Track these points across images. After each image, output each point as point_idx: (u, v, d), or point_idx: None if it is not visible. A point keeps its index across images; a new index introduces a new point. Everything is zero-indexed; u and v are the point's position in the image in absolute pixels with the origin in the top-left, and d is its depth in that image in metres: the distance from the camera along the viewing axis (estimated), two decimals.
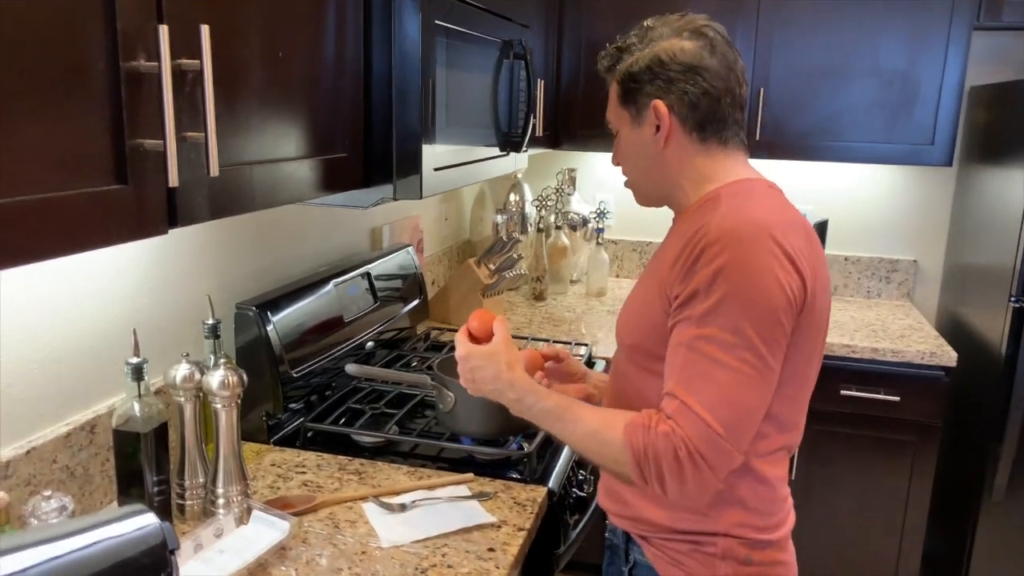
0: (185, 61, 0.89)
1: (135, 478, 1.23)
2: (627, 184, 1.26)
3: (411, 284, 2.18)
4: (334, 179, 1.30)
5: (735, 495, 1.13)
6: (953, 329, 2.71)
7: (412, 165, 1.41)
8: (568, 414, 1.12)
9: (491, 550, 1.24)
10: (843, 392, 2.40)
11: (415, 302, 2.19)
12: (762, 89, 2.57)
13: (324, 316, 1.74)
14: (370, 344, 1.93)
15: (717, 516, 1.13)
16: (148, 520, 0.75)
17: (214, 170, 0.92)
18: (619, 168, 1.26)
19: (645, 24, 1.19)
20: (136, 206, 0.86)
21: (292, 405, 1.64)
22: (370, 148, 1.39)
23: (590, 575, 2.50)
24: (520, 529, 1.30)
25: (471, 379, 1.20)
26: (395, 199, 1.42)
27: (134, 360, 1.18)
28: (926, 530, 2.44)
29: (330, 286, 1.79)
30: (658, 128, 1.15)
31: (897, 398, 2.38)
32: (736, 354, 1.01)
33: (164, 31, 0.83)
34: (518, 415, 1.17)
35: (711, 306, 1.02)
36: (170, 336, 1.47)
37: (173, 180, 0.86)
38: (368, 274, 1.97)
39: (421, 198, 1.42)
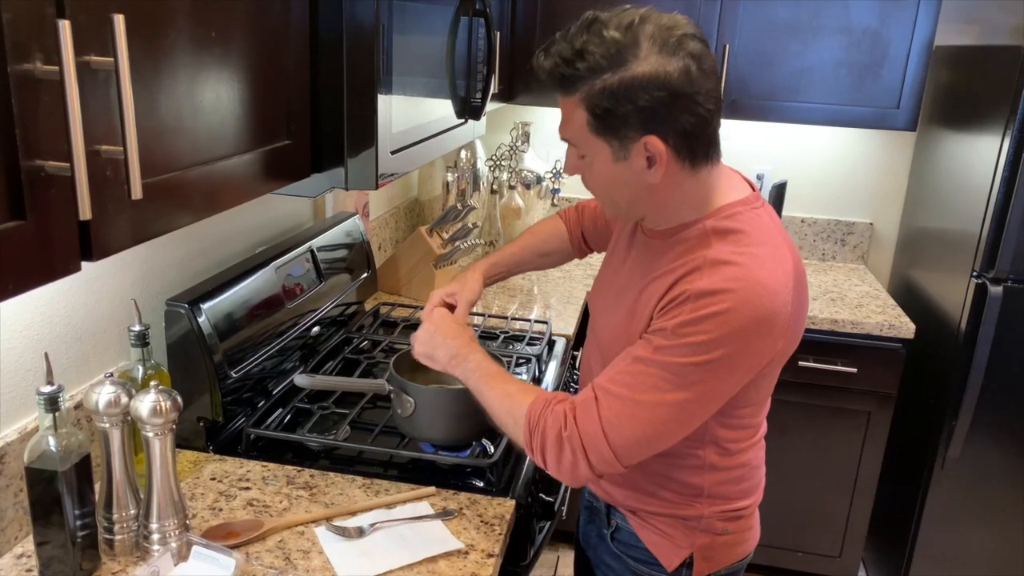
0: (95, 59, 0.71)
1: (53, 510, 1.07)
2: (597, 200, 1.18)
3: (358, 256, 2.02)
4: (280, 170, 1.13)
5: (719, 489, 1.21)
6: (908, 294, 2.69)
7: (367, 139, 1.25)
8: (500, 376, 1.19)
9: None
10: (801, 364, 2.36)
11: (364, 275, 2.03)
12: (727, 46, 2.43)
13: (265, 305, 1.58)
14: (316, 329, 1.77)
15: (705, 504, 1.21)
16: None
17: (136, 192, 0.75)
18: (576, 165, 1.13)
19: (603, 27, 0.97)
20: (39, 246, 0.69)
21: (232, 400, 1.49)
22: (318, 130, 1.22)
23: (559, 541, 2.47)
24: (489, 555, 1.20)
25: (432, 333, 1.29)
26: (347, 188, 1.26)
27: (47, 389, 1.01)
28: (880, 493, 2.46)
29: (270, 269, 1.62)
30: (648, 163, 1.03)
31: (855, 369, 2.36)
32: (674, 395, 1.01)
33: (65, 27, 0.65)
34: (451, 368, 1.24)
35: (682, 347, 1.00)
36: (90, 343, 1.30)
37: (84, 212, 0.69)
38: (312, 250, 1.80)
39: (376, 187, 1.26)
